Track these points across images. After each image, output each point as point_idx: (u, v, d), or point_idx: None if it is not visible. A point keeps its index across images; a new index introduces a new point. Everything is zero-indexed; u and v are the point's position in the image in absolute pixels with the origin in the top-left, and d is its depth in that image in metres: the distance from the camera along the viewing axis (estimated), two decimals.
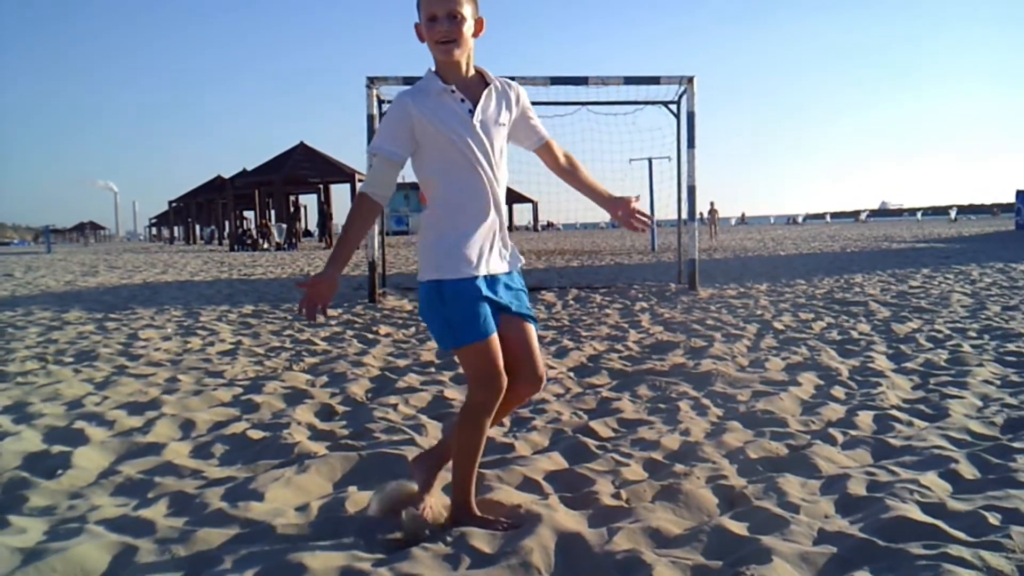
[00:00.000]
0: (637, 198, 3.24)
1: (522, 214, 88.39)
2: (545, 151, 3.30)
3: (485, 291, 3.00)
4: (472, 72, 3.03)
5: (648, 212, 3.09)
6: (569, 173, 3.34)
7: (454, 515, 3.21)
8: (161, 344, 8.03)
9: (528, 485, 3.69)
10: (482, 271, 3.00)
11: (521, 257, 3.23)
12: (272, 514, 3.34)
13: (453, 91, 2.95)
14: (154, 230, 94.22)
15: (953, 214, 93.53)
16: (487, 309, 2.99)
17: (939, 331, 7.94)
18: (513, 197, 68.49)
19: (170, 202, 67.37)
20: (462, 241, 2.99)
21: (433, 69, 3.00)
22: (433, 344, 7.76)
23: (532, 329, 3.18)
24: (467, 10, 2.88)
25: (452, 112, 2.95)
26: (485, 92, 3.01)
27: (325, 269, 2.94)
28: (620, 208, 3.24)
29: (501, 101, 3.07)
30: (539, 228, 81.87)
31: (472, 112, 2.97)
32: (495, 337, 3.01)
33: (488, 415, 3.07)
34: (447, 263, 2.99)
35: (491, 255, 3.05)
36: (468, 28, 2.90)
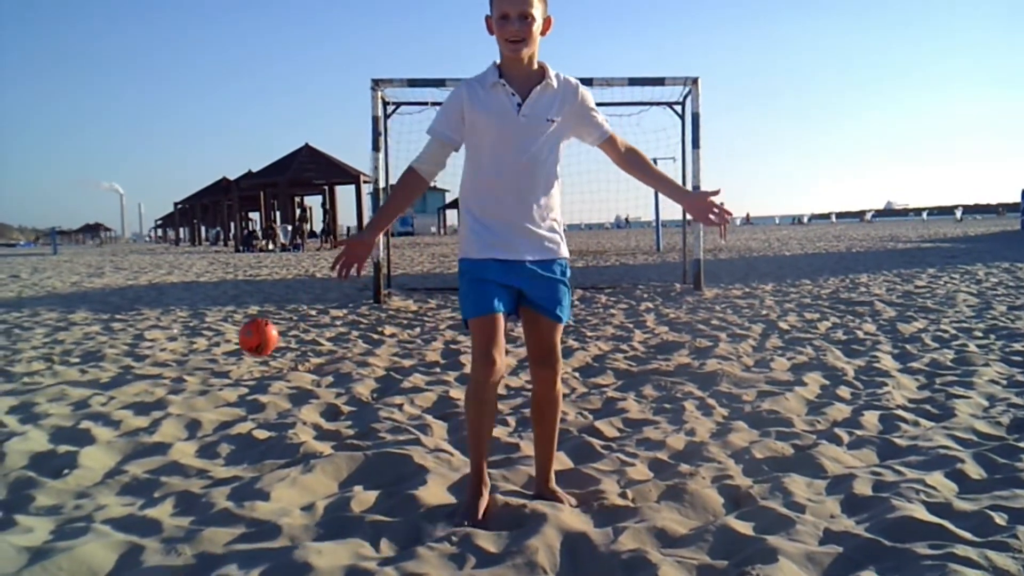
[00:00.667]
0: (717, 192, 3.22)
1: None
2: (609, 146, 3.36)
3: (495, 274, 3.17)
4: (535, 67, 3.18)
5: (727, 208, 3.12)
6: (635, 166, 3.38)
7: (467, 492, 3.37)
8: (167, 345, 8.05)
9: (534, 485, 3.69)
10: (495, 255, 3.17)
11: (561, 249, 3.29)
12: (278, 514, 3.35)
13: (504, 84, 3.14)
14: (159, 231, 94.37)
15: (958, 214, 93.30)
16: (492, 289, 3.15)
17: (945, 331, 7.92)
18: None
19: (176, 204, 67.48)
20: (482, 224, 3.20)
21: (497, 62, 3.19)
22: (438, 344, 7.77)
23: (547, 322, 3.28)
24: (538, 11, 3.05)
25: (500, 103, 3.14)
26: (538, 88, 3.16)
27: (362, 232, 3.19)
28: (698, 202, 3.26)
29: (556, 98, 3.19)
30: None
31: (520, 105, 3.14)
32: (494, 316, 3.14)
33: (481, 392, 3.18)
34: (466, 243, 3.24)
35: (513, 241, 3.18)
36: (537, 28, 3.08)
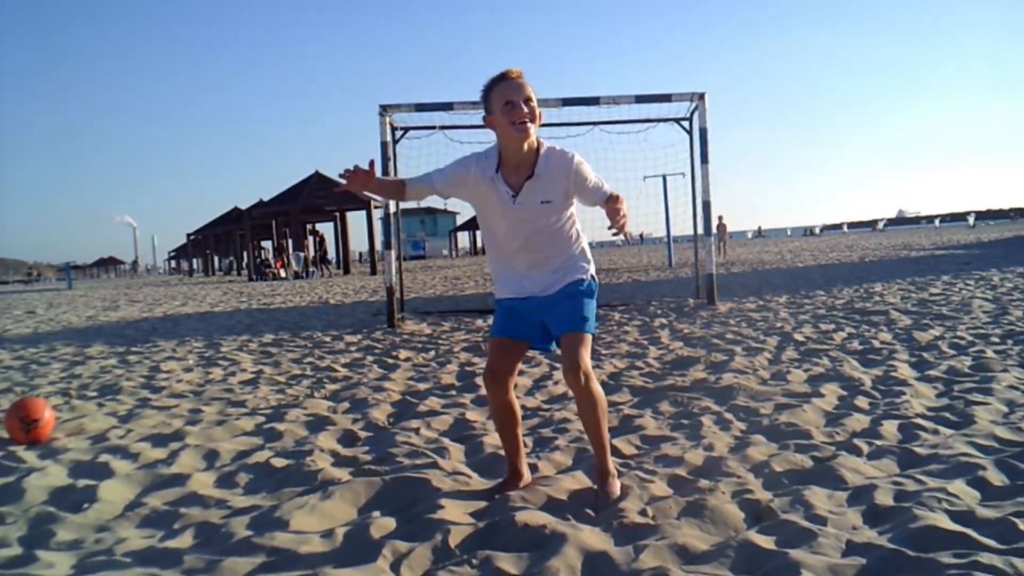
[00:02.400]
0: (618, 198, 3.40)
1: None
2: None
3: (509, 307, 3.78)
4: (533, 148, 3.51)
5: (624, 213, 3.37)
6: None
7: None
8: (183, 376, 8.08)
9: (552, 505, 3.68)
10: (506, 295, 3.77)
11: (564, 279, 3.66)
12: (298, 542, 3.35)
13: (499, 179, 3.54)
14: (173, 263, 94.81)
15: (971, 220, 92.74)
16: (503, 319, 3.79)
17: (962, 338, 7.88)
18: None
19: (188, 235, 67.84)
20: (494, 274, 3.85)
21: (498, 147, 3.55)
22: (453, 367, 7.78)
23: (565, 337, 3.57)
24: (535, 99, 3.45)
25: (498, 194, 3.55)
26: (529, 181, 3.51)
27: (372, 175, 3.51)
28: (607, 205, 3.42)
29: (549, 182, 3.52)
30: None
31: (515, 197, 3.54)
32: (501, 340, 3.76)
33: (491, 399, 3.83)
34: (493, 282, 3.87)
35: (517, 286, 3.71)
36: (538, 112, 3.45)
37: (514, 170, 3.52)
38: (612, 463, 3.82)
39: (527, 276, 3.67)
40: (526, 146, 3.46)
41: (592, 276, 3.74)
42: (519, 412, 3.94)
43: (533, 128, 3.42)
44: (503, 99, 3.40)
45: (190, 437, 5.31)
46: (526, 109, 3.38)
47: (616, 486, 3.73)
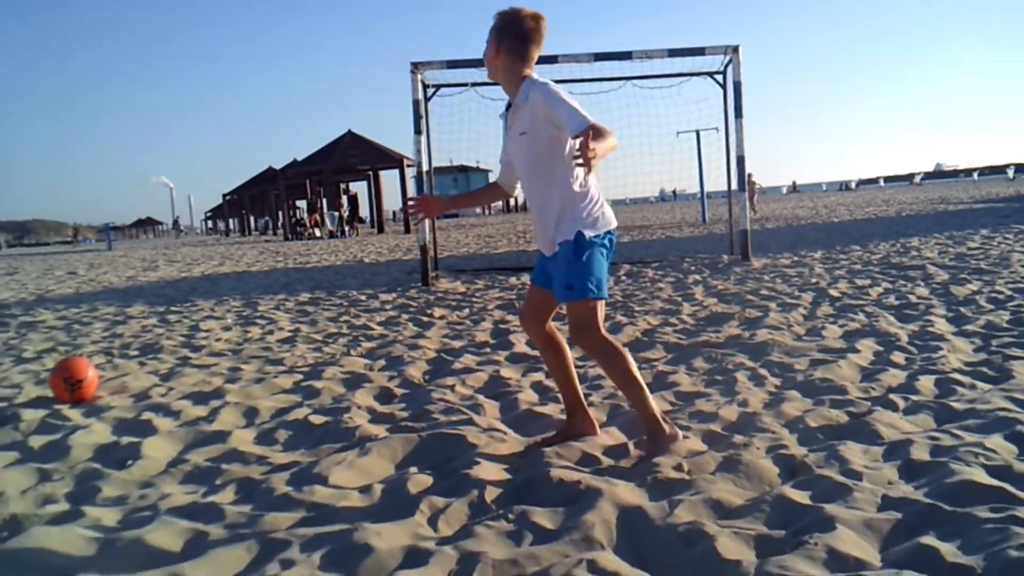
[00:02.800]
0: (579, 136, 3.23)
1: None
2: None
3: (540, 258, 3.90)
4: (511, 82, 3.67)
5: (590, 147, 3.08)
6: None
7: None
8: (222, 334, 8.18)
9: (587, 460, 3.71)
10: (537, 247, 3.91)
11: (556, 240, 3.64)
12: (336, 497, 3.41)
13: (505, 115, 3.75)
14: (210, 223, 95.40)
15: (1011, 172, 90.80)
16: (537, 266, 3.93)
17: (1000, 292, 7.78)
18: None
19: (224, 195, 68.15)
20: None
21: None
22: (487, 324, 7.81)
23: (566, 304, 3.67)
24: (490, 48, 3.65)
25: (505, 128, 3.80)
26: (511, 111, 3.68)
27: (442, 196, 3.96)
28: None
29: (527, 113, 3.57)
30: None
31: (507, 131, 3.76)
32: (531, 285, 3.98)
33: (532, 339, 4.12)
34: None
35: (539, 240, 3.81)
36: (493, 62, 3.68)
37: (512, 106, 3.68)
38: (653, 410, 3.73)
39: (536, 229, 3.77)
40: (503, 81, 3.69)
41: (580, 233, 3.56)
42: (564, 347, 3.97)
43: (489, 66, 3.72)
44: None
45: (230, 395, 5.40)
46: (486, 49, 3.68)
47: (660, 433, 3.71)
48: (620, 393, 3.87)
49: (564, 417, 4.21)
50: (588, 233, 3.57)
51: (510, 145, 3.75)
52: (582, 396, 4.05)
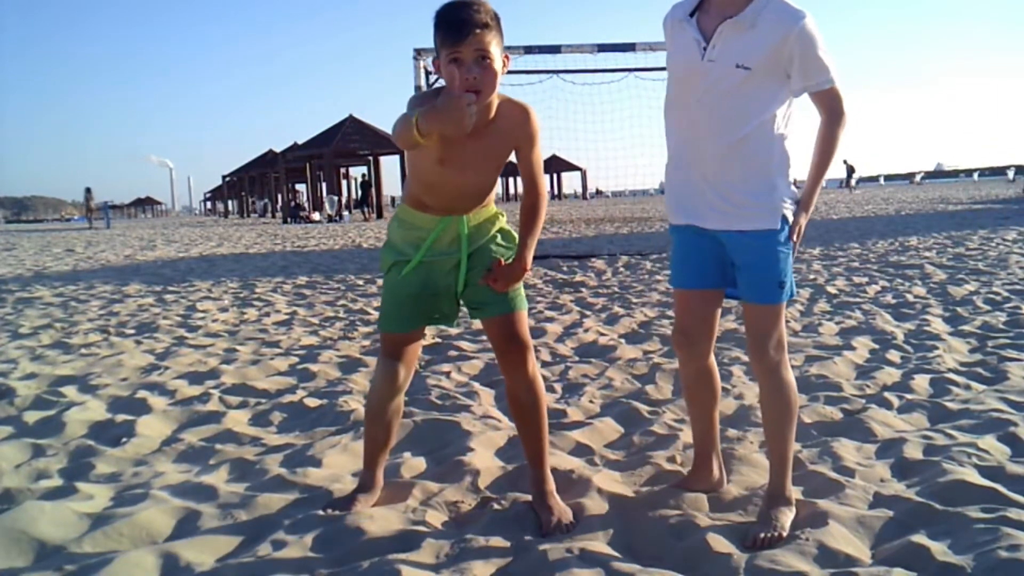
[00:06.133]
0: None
1: (571, 182, 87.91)
2: None
3: (687, 247, 3.00)
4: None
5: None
6: None
7: None
8: (219, 315, 8.18)
9: (581, 450, 3.72)
10: None
11: (755, 221, 2.87)
12: (330, 479, 3.41)
13: (680, 19, 2.90)
14: (208, 204, 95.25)
15: (1011, 174, 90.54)
16: (687, 264, 3.01)
17: (997, 293, 7.78)
18: (561, 165, 68.11)
19: (224, 176, 68.03)
20: None
21: None
22: None
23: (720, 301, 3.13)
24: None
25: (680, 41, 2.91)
26: (709, 22, 2.81)
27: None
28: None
29: (744, 38, 2.71)
30: (588, 196, 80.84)
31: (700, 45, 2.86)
32: (688, 292, 3.06)
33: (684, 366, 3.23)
34: None
35: (703, 209, 2.92)
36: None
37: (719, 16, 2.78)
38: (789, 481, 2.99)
39: (710, 196, 2.90)
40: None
41: (787, 212, 2.90)
42: (719, 382, 3.24)
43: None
44: None
45: (225, 376, 5.40)
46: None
47: (789, 504, 2.93)
48: (765, 436, 3.07)
49: (558, 407, 4.20)
50: (791, 213, 2.89)
51: (698, 68, 2.77)
52: (718, 443, 3.30)
